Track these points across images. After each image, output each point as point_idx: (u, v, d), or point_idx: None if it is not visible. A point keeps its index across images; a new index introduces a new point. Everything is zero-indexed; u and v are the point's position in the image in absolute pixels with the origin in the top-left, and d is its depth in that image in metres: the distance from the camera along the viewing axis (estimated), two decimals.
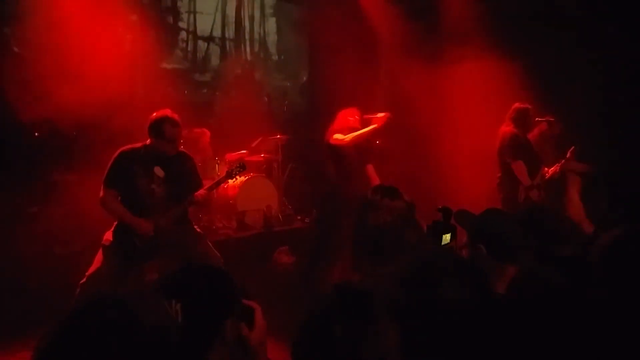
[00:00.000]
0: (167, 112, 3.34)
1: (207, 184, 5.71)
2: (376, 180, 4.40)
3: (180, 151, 3.54)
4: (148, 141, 3.36)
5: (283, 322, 1.86)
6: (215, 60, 6.88)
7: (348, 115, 4.33)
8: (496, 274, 1.78)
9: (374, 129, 4.19)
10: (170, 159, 3.41)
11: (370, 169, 4.47)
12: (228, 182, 6.06)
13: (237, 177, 3.84)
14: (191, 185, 3.47)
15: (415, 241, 1.67)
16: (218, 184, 3.59)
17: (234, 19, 6.67)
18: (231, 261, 4.61)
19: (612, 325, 1.44)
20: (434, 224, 1.84)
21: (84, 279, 3.30)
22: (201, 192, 3.44)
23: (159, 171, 3.38)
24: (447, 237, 1.82)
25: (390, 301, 1.04)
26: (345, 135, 4.18)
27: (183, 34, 6.38)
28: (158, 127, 3.30)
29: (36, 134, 4.69)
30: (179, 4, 6.19)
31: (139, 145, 3.39)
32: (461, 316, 1.05)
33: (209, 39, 6.62)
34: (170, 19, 6.21)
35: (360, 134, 4.16)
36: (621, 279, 1.49)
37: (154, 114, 3.34)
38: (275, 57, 7.28)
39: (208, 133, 6.05)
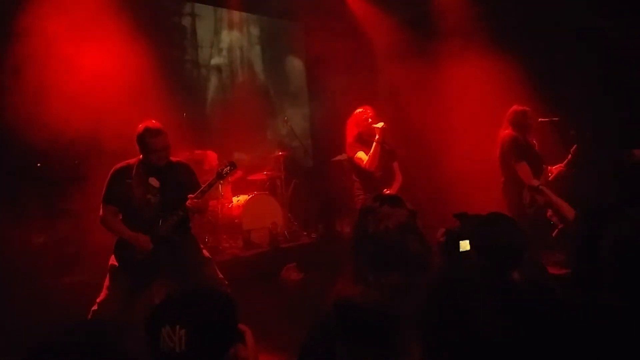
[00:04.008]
0: (147, 123, 3.38)
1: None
2: (399, 179, 4.45)
3: (175, 161, 3.56)
4: (140, 156, 3.43)
5: (293, 340, 1.82)
6: (214, 85, 7.39)
7: (362, 117, 4.35)
8: None
9: (378, 142, 4.24)
10: (164, 169, 3.43)
11: (396, 165, 4.50)
12: (232, 202, 6.08)
13: (229, 176, 3.80)
14: (188, 193, 3.42)
15: (419, 250, 1.60)
16: (210, 186, 3.52)
17: (227, 50, 7.50)
18: (239, 281, 4.58)
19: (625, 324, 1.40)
20: (450, 231, 1.77)
21: (95, 306, 3.31)
22: (191, 200, 3.38)
23: (153, 181, 3.40)
24: (465, 244, 1.75)
25: (416, 321, 0.97)
26: (366, 155, 4.25)
27: (188, 65, 7.11)
28: (141, 141, 3.36)
29: (39, 164, 4.70)
30: (184, 41, 7.07)
31: (133, 160, 3.45)
32: (497, 347, 0.96)
33: (209, 67, 7.35)
34: (179, 53, 6.98)
35: (374, 154, 4.23)
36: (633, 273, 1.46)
37: (137, 128, 3.39)
38: (261, 77, 7.86)
39: (214, 155, 6.04)
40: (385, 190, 4.32)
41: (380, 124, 4.27)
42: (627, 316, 1.44)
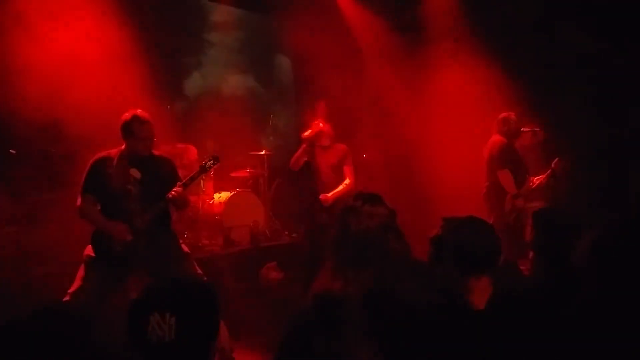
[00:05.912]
0: (135, 111, 3.34)
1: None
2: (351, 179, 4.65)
3: (158, 154, 3.53)
4: (123, 145, 3.38)
5: (272, 339, 1.79)
6: (199, 80, 7.33)
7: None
8: (467, 287, 1.69)
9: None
10: (146, 160, 3.39)
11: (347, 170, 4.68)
12: (213, 198, 6.01)
13: (212, 170, 3.79)
14: (168, 187, 3.39)
15: (399, 249, 1.63)
16: (192, 179, 3.50)
17: (213, 44, 7.37)
18: (218, 278, 4.53)
19: (605, 327, 1.41)
20: (433, 237, 1.79)
21: (67, 297, 3.24)
22: (173, 190, 3.35)
23: (134, 172, 3.36)
24: None
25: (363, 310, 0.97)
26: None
27: (173, 58, 6.93)
28: (128, 127, 3.32)
29: (12, 151, 4.57)
30: (170, 34, 6.84)
31: (114, 150, 3.40)
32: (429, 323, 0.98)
33: (194, 62, 7.30)
34: (164, 45, 6.74)
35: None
36: (610, 278, 1.47)
37: (123, 116, 3.34)
38: (248, 74, 7.79)
39: (194, 150, 5.97)
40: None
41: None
42: (604, 321, 1.44)
